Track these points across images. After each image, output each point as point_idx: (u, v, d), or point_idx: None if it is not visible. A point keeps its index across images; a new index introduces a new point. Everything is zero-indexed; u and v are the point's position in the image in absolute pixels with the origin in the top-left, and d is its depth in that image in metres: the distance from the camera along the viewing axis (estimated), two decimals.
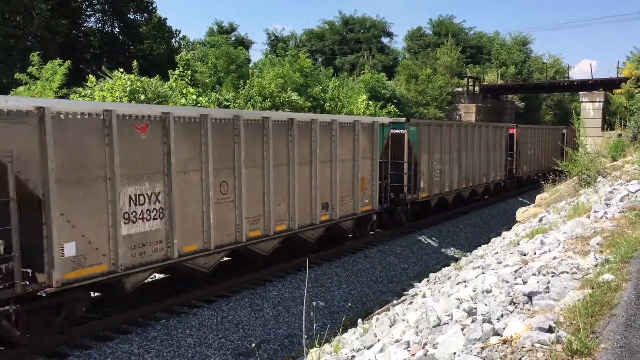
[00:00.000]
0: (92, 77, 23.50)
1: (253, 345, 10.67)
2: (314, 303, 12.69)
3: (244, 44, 57.57)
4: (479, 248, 17.31)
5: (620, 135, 34.39)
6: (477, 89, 49.35)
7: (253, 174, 12.42)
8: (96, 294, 10.98)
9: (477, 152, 25.43)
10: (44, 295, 8.59)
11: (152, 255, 10.13)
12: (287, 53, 39.76)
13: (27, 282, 8.43)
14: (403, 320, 7.97)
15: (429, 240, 20.00)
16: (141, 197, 9.88)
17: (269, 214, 12.92)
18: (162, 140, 10.24)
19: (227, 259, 13.57)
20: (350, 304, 13.56)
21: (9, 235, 8.01)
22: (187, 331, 10.54)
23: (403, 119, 20.23)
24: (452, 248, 20.02)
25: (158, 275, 12.52)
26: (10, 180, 7.93)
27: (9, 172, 7.92)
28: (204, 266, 11.42)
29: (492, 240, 17.30)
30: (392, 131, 18.96)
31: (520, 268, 7.34)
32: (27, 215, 8.24)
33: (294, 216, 13.78)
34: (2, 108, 7.85)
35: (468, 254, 16.94)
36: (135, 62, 25.18)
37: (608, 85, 42.29)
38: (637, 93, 37.95)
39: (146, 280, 10.83)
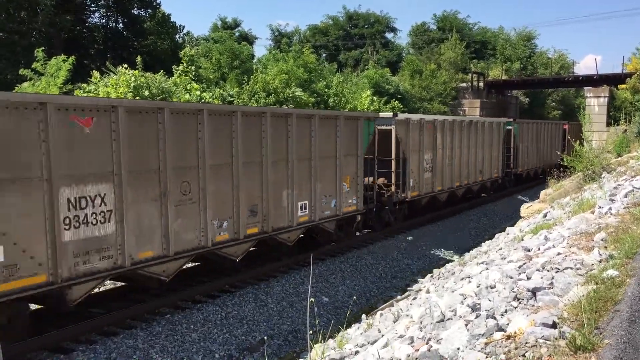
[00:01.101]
0: (96, 73, 23.54)
1: (265, 338, 10.67)
2: (313, 299, 12.72)
3: (247, 39, 57.56)
4: (482, 244, 17.30)
5: (625, 130, 34.30)
6: (481, 84, 49.26)
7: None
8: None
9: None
10: None
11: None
12: (291, 49, 39.73)
13: None
14: (407, 315, 7.98)
15: (433, 236, 19.99)
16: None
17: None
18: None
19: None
20: (355, 298, 13.57)
21: None
22: (192, 326, 10.58)
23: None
24: (454, 245, 20.00)
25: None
26: None
27: None
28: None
29: (496, 236, 17.29)
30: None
31: (524, 264, 7.34)
32: None
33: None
34: None
35: (468, 253, 16.93)
36: (139, 58, 25.20)
37: (613, 80, 42.17)
38: None
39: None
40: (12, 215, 7.90)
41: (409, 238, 19.11)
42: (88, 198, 8.84)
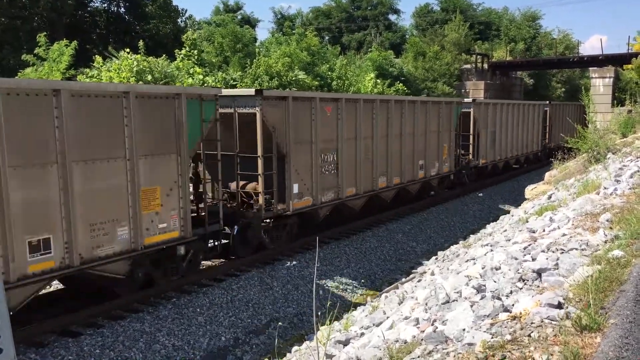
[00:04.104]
0: (98, 58, 23.49)
1: (280, 323, 10.75)
2: (316, 285, 12.80)
3: (250, 22, 57.23)
4: (487, 226, 17.31)
5: (630, 111, 34.07)
6: (485, 65, 48.91)
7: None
8: None
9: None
10: None
11: None
12: (293, 32, 39.49)
13: None
14: (412, 297, 8.01)
15: (437, 219, 20.00)
16: None
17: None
18: None
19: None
20: (366, 284, 13.63)
21: None
22: (198, 310, 10.65)
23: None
24: (460, 226, 20.02)
25: None
26: None
27: None
28: None
29: (501, 217, 17.30)
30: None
31: (529, 245, 7.34)
32: None
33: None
34: None
35: (476, 232, 16.96)
36: (141, 42, 25.10)
37: (618, 60, 41.79)
38: None
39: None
40: None
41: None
42: None
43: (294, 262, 13.52)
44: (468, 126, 24.29)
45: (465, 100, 25.55)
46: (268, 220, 13.45)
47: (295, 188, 13.82)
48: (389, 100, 17.97)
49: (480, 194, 24.56)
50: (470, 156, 24.61)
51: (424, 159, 20.12)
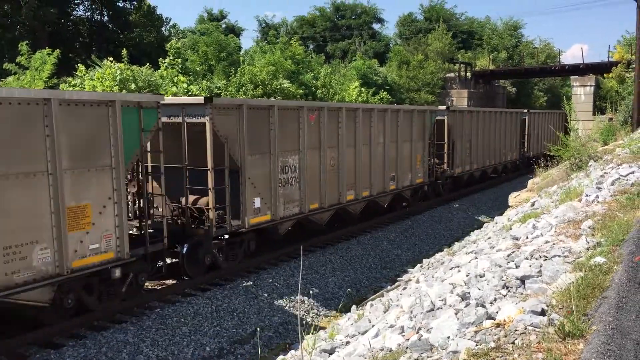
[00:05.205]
0: (81, 67, 23.36)
1: (258, 329, 10.69)
2: (298, 295, 12.76)
3: (234, 31, 57.28)
4: (472, 233, 17.39)
5: (611, 119, 34.57)
6: (468, 74, 49.35)
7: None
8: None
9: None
10: None
11: None
12: (278, 40, 39.58)
13: None
14: (397, 305, 8.01)
15: (422, 226, 20.06)
16: None
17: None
18: None
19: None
20: (349, 290, 13.61)
21: None
22: (182, 320, 10.56)
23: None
24: (444, 233, 20.09)
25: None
26: None
27: None
28: None
29: (485, 225, 17.39)
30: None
31: (512, 252, 7.38)
32: None
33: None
34: None
35: (460, 240, 17.03)
36: (124, 51, 25.01)
37: (599, 69, 42.42)
38: (628, 77, 38.09)
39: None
40: None
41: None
42: None
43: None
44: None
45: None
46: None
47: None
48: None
49: (457, 205, 23.52)
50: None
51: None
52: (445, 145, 23.28)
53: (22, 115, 8.28)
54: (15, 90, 9.45)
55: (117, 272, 9.95)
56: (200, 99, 11.97)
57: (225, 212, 12.30)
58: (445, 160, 23.45)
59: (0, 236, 8.02)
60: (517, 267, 6.51)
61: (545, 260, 6.48)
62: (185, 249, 12.07)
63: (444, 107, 24.31)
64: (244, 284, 12.38)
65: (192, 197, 12.34)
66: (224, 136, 12.11)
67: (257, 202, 13.06)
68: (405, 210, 20.87)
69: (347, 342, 7.33)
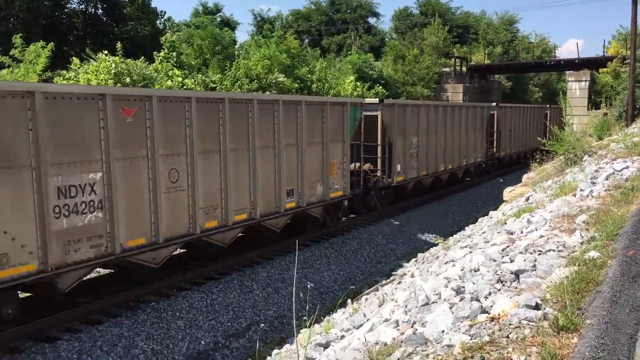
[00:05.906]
0: (76, 60, 23.24)
1: (262, 325, 10.70)
2: (296, 288, 12.75)
3: (229, 25, 57.14)
4: (466, 228, 17.43)
5: (605, 114, 34.63)
6: (464, 69, 49.38)
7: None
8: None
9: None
10: None
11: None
12: (273, 34, 39.48)
13: None
14: (392, 299, 8.03)
15: (417, 221, 20.09)
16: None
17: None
18: None
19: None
20: (346, 286, 13.63)
21: None
22: (177, 314, 10.56)
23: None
24: (439, 229, 20.12)
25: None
26: None
27: None
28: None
29: (480, 219, 17.42)
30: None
31: (507, 247, 7.40)
32: None
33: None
34: None
35: (452, 237, 17.05)
36: (119, 44, 24.91)
37: (594, 64, 42.49)
38: (623, 72, 38.18)
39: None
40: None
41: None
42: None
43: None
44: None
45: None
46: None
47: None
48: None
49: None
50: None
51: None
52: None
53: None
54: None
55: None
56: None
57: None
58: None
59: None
60: (511, 261, 6.53)
61: (540, 254, 6.50)
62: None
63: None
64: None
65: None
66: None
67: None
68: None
69: (342, 336, 7.34)
